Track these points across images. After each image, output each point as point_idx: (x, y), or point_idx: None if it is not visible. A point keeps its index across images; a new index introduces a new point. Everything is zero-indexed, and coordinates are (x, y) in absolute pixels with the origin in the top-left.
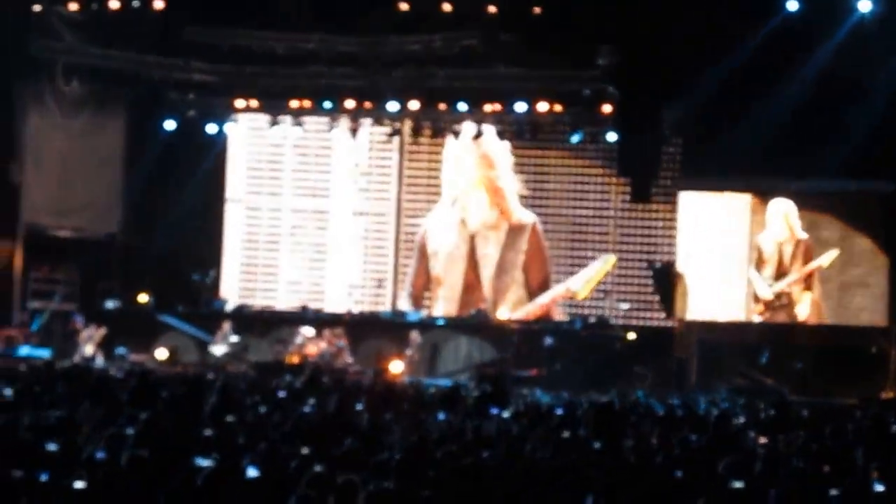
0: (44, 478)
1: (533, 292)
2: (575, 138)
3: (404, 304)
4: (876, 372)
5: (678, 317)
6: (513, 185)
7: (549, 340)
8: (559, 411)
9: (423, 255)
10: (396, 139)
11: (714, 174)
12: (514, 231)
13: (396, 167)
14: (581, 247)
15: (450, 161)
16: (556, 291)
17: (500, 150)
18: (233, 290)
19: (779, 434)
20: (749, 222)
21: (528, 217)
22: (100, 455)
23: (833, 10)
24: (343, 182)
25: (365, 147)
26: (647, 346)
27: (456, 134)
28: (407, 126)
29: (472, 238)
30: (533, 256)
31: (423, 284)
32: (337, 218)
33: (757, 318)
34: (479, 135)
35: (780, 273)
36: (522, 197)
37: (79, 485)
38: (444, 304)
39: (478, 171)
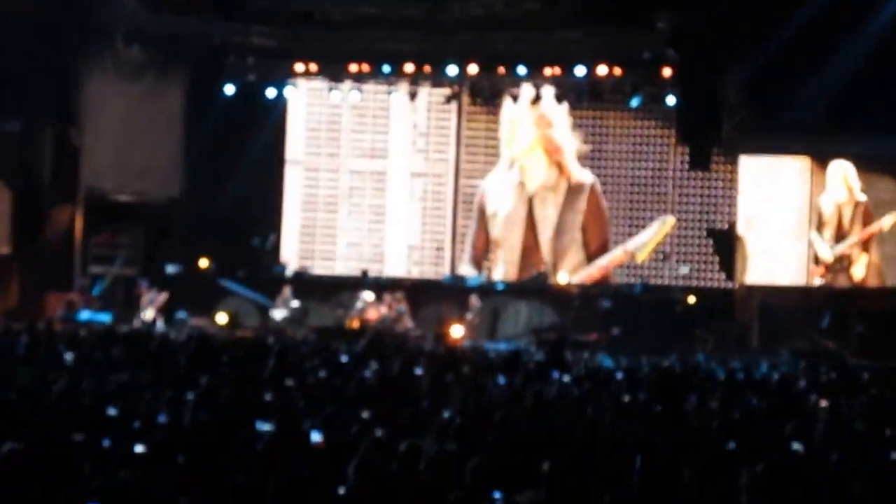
0: (105, 442)
1: (592, 254)
2: (634, 102)
3: (464, 267)
4: None
5: (739, 280)
6: (571, 145)
7: (609, 304)
8: (620, 375)
9: (481, 218)
10: (448, 99)
11: (774, 137)
12: (573, 192)
13: (455, 128)
14: (640, 209)
15: (507, 123)
16: (615, 254)
17: (558, 112)
18: (292, 255)
19: (840, 398)
20: (809, 185)
21: (587, 177)
22: (160, 419)
23: None
24: (402, 144)
25: (423, 108)
26: (708, 310)
27: (514, 97)
28: (465, 90)
29: (531, 200)
30: (592, 217)
31: (483, 247)
32: (395, 180)
33: (817, 281)
34: (537, 97)
35: (840, 235)
36: (581, 158)
37: (139, 449)
38: (503, 267)
39: (536, 132)
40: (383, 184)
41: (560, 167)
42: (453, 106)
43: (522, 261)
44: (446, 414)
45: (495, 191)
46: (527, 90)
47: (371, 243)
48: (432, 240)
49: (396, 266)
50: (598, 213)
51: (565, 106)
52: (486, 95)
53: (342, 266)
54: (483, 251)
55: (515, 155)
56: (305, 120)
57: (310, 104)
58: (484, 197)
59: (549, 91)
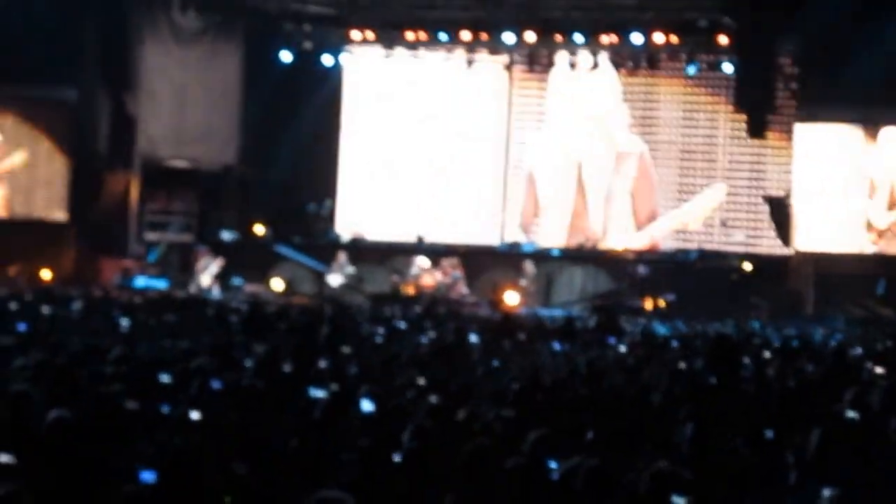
0: (160, 409)
1: (641, 221)
2: (691, 69)
3: (514, 233)
4: None
5: (794, 247)
6: (621, 113)
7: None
8: (675, 342)
9: (531, 184)
10: (502, 67)
11: (829, 105)
12: (622, 159)
13: (507, 95)
14: (694, 176)
15: (557, 90)
16: (669, 222)
17: (609, 79)
18: (348, 221)
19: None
20: (861, 152)
21: (636, 145)
22: (216, 386)
23: None
24: (453, 110)
25: (476, 75)
26: (763, 277)
27: (569, 64)
28: (521, 58)
29: (580, 166)
30: (641, 184)
31: (533, 212)
32: (447, 146)
33: (870, 248)
34: (591, 64)
35: (893, 202)
36: (634, 126)
37: (195, 416)
38: (552, 233)
39: (585, 99)
40: (435, 151)
41: (609, 134)
42: (505, 73)
43: (571, 227)
44: (502, 381)
45: (544, 157)
46: (577, 57)
47: (424, 209)
48: (484, 205)
49: (450, 232)
50: (647, 180)
51: (615, 73)
52: (542, 63)
53: (396, 232)
54: (532, 217)
55: (564, 123)
56: (361, 89)
57: (365, 71)
58: (533, 164)
59: (601, 58)
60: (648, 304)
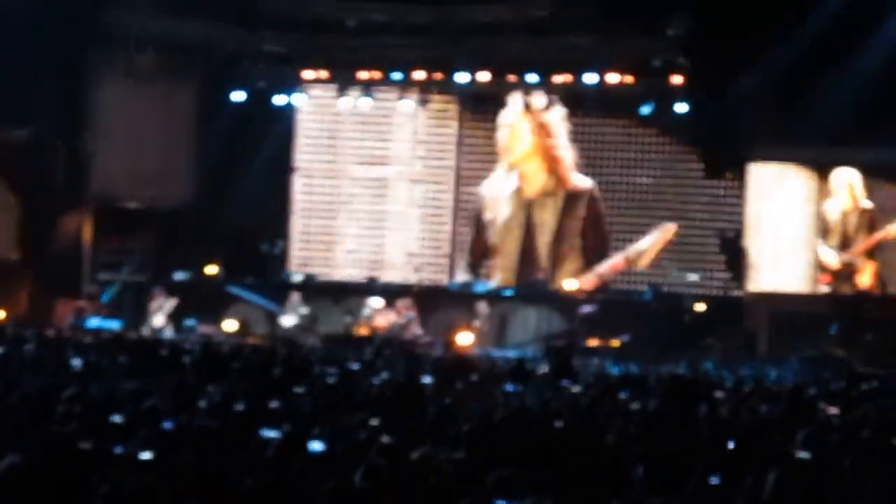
0: (114, 449)
1: (591, 260)
2: (645, 109)
3: (462, 274)
4: None
5: (747, 288)
6: (570, 152)
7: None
8: (629, 383)
9: (479, 224)
10: (453, 107)
11: (784, 146)
12: (572, 198)
13: (455, 135)
14: (647, 216)
15: (506, 130)
16: (615, 261)
17: (557, 118)
18: (300, 261)
19: (850, 405)
20: (815, 192)
21: (585, 183)
22: (169, 426)
23: None
24: (403, 150)
25: (424, 115)
26: (717, 317)
27: (525, 104)
28: (472, 98)
29: (529, 206)
30: (591, 224)
31: (481, 253)
32: (396, 186)
33: (823, 289)
34: (535, 104)
35: (845, 243)
36: (585, 166)
37: (146, 456)
38: (501, 274)
39: (534, 139)
40: (385, 191)
41: (558, 174)
42: (454, 112)
43: (520, 267)
44: (455, 422)
45: (493, 197)
46: (530, 97)
47: (370, 250)
48: (432, 247)
49: (396, 274)
50: (598, 220)
51: (564, 112)
52: (495, 103)
53: (345, 274)
54: (480, 258)
55: (514, 161)
56: (313, 128)
57: (318, 110)
58: (482, 203)
59: (546, 98)
60: (602, 345)
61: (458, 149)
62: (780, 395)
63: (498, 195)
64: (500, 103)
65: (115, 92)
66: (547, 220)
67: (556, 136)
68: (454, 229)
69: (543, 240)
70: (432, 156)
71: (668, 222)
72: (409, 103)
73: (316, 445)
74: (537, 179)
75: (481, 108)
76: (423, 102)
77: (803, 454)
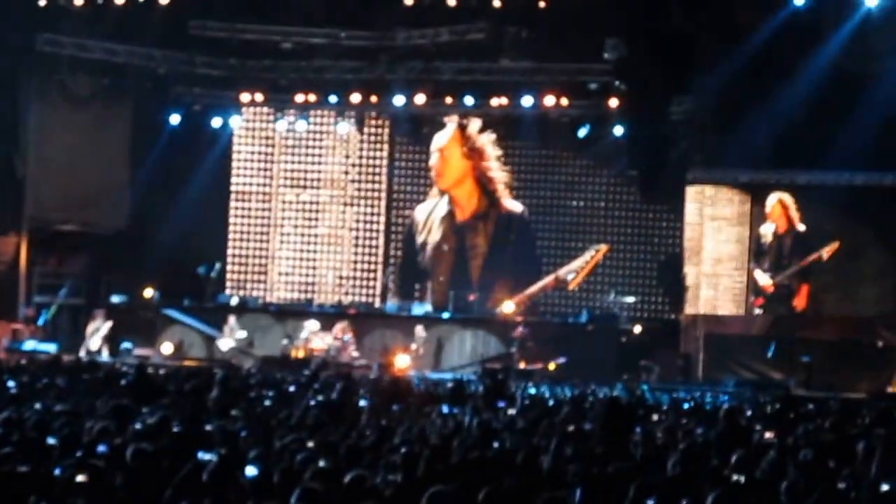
0: (47, 471)
1: (523, 283)
2: (582, 132)
3: (394, 297)
4: (883, 366)
5: (684, 310)
6: (501, 175)
7: (554, 334)
8: (565, 406)
9: (412, 247)
10: (387, 131)
11: (720, 169)
12: (503, 222)
13: (390, 157)
14: (583, 239)
15: (437, 154)
16: (546, 280)
17: (488, 142)
18: (237, 284)
19: (785, 428)
20: (749, 215)
21: (516, 207)
22: (103, 449)
23: (840, 3)
24: (336, 173)
25: (357, 138)
26: (654, 340)
27: (460, 126)
28: (408, 120)
29: (461, 229)
30: (522, 247)
31: (413, 276)
32: (329, 209)
33: (756, 310)
34: (466, 128)
35: (779, 265)
36: (520, 188)
37: (81, 478)
38: (433, 296)
39: (466, 162)
40: (317, 213)
41: (490, 197)
42: (385, 135)
43: (452, 290)
44: (391, 444)
45: (426, 220)
46: (466, 120)
47: (303, 272)
48: (364, 269)
49: (336, 294)
50: (529, 243)
51: (496, 136)
52: (431, 126)
53: (285, 295)
54: (413, 281)
55: (446, 185)
56: (249, 151)
57: (253, 133)
58: (414, 227)
59: (480, 122)
60: (539, 368)
61: (390, 171)
62: (715, 417)
63: (430, 218)
64: (433, 126)
65: (49, 115)
66: (479, 244)
67: (489, 159)
68: (386, 252)
69: (475, 263)
70: (365, 178)
71: (599, 244)
72: (344, 126)
73: (250, 470)
74: (469, 203)
75: (414, 130)
76: (360, 125)
77: (739, 477)
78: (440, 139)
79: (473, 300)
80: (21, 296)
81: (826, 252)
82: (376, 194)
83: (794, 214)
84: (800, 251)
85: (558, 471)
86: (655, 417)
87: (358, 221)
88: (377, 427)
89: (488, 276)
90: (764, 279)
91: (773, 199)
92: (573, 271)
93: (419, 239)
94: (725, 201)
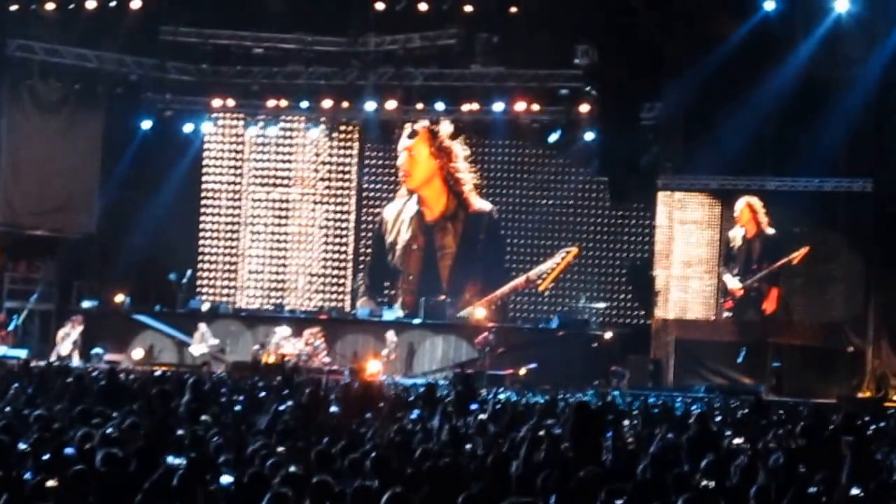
0: (18, 475)
1: (492, 283)
2: (552, 137)
3: (363, 297)
4: (853, 371)
5: (655, 315)
6: (469, 176)
7: (525, 339)
8: (536, 410)
9: (380, 246)
10: (357, 132)
11: (690, 174)
12: (472, 222)
13: (360, 161)
14: (553, 243)
15: (405, 152)
16: (517, 281)
17: (457, 143)
18: (209, 290)
19: (756, 433)
20: (719, 219)
21: (485, 206)
22: (72, 453)
23: (810, 9)
24: (305, 172)
25: (335, 142)
26: (625, 345)
27: (432, 132)
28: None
29: (430, 229)
30: (492, 246)
31: (382, 276)
32: (299, 208)
33: (725, 314)
34: (434, 128)
35: (749, 269)
36: (488, 190)
37: (51, 483)
38: (403, 296)
39: (434, 161)
40: (287, 212)
41: (459, 198)
42: (356, 136)
43: (421, 289)
44: (362, 449)
45: (394, 220)
46: (437, 125)
47: (283, 276)
48: (334, 267)
49: (307, 299)
50: (498, 243)
51: (465, 136)
52: (401, 130)
53: (256, 300)
54: (382, 280)
55: (414, 185)
56: (221, 155)
57: (226, 139)
58: (383, 227)
59: (449, 123)
60: (510, 373)
61: (359, 174)
62: (686, 423)
63: (399, 218)
64: (412, 131)
65: (19, 120)
66: (448, 244)
67: (457, 159)
68: (356, 249)
69: (445, 263)
70: (335, 177)
71: (569, 246)
72: (315, 132)
73: (225, 478)
74: (438, 203)
75: (391, 134)
76: (330, 130)
77: (709, 482)
78: (407, 139)
79: (444, 301)
80: None
81: (796, 257)
82: (346, 192)
83: (763, 218)
84: (769, 255)
85: (528, 476)
86: (626, 423)
87: (328, 220)
88: (348, 432)
89: (458, 277)
90: (733, 283)
91: (741, 203)
92: (544, 273)
93: (388, 238)
94: (695, 205)
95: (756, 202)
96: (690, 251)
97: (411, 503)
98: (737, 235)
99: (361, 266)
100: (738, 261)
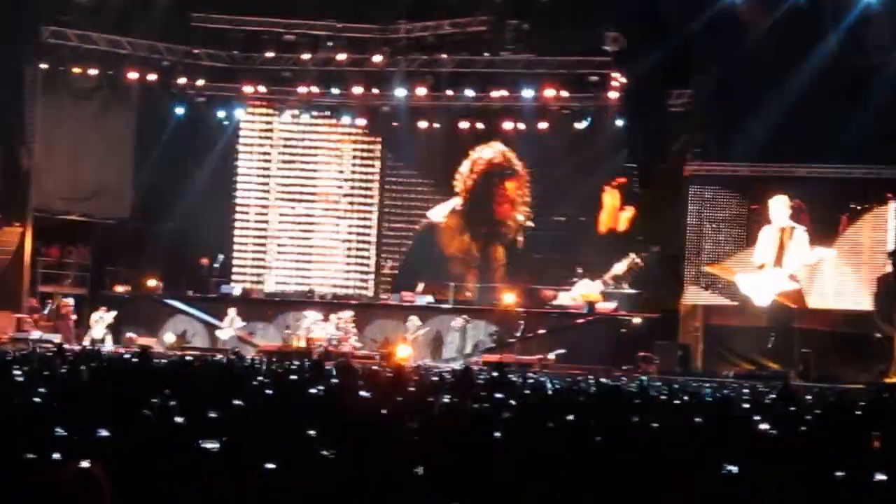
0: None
1: (525, 280)
2: (581, 124)
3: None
4: (881, 357)
5: (684, 302)
6: (516, 183)
7: (555, 325)
8: (564, 396)
9: (424, 247)
10: (379, 148)
11: (720, 160)
12: (512, 231)
13: (380, 168)
14: (584, 231)
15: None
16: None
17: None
18: (241, 275)
19: (783, 419)
20: (749, 208)
21: (523, 217)
22: (106, 436)
23: None
24: (345, 163)
25: (367, 129)
26: (653, 331)
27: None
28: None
29: (478, 235)
30: (528, 254)
31: (420, 270)
32: (340, 198)
33: (760, 304)
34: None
35: (779, 259)
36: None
37: (85, 464)
38: (452, 294)
39: (482, 168)
40: (328, 204)
41: (503, 208)
42: (378, 152)
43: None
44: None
45: (438, 219)
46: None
47: (316, 263)
48: (360, 264)
49: (338, 285)
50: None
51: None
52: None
53: (289, 285)
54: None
55: (460, 189)
56: (254, 141)
57: (259, 125)
58: (428, 227)
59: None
60: (539, 359)
61: (381, 184)
62: (713, 408)
63: (445, 222)
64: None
65: (53, 107)
66: (499, 256)
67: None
68: (378, 251)
69: (498, 274)
70: (369, 167)
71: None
72: (349, 118)
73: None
74: (485, 212)
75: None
76: (363, 117)
77: (732, 468)
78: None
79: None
80: (25, 286)
81: (827, 252)
82: (372, 181)
83: (794, 211)
84: (800, 245)
85: (555, 460)
86: (653, 408)
87: (364, 212)
88: (378, 416)
89: (503, 278)
90: (762, 272)
91: (774, 198)
92: (617, 275)
93: (436, 243)
94: (728, 192)
95: (785, 199)
96: (719, 239)
97: (442, 489)
98: (767, 226)
99: (396, 255)
100: (768, 251)
